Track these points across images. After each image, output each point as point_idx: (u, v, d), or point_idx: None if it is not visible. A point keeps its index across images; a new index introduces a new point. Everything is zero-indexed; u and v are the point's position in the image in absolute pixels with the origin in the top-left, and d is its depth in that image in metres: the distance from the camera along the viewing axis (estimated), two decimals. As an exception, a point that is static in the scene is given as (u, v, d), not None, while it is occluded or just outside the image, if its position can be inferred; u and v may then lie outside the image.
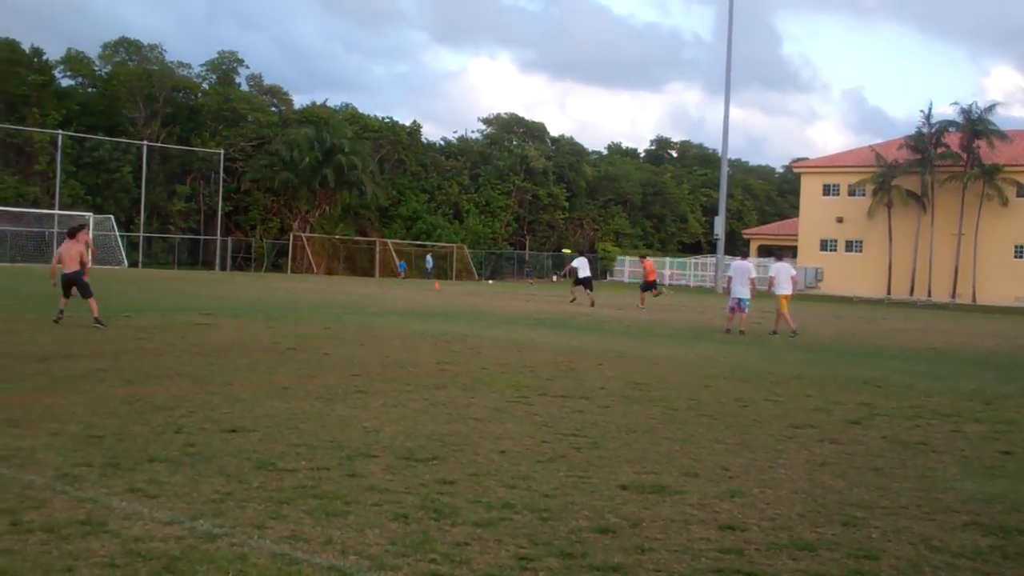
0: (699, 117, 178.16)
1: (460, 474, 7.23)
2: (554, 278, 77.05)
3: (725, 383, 13.63)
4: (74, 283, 18.39)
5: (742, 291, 23.66)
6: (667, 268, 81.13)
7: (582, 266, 37.18)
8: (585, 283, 36.66)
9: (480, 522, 6.01)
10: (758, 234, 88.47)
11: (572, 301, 37.03)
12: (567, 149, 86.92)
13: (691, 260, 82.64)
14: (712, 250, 76.91)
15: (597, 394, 11.78)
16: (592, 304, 34.52)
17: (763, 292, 27.69)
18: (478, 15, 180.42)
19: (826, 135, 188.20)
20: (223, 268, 61.36)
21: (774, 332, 24.29)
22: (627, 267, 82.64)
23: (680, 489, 7.13)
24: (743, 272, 23.88)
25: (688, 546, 5.78)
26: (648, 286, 37.64)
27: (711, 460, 8.22)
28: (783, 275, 24.67)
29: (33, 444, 7.57)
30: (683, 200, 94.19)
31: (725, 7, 62.67)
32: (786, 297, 24.42)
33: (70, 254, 18.55)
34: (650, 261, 38.81)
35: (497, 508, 6.35)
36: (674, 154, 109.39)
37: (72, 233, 19.01)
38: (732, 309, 24.03)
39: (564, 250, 45.19)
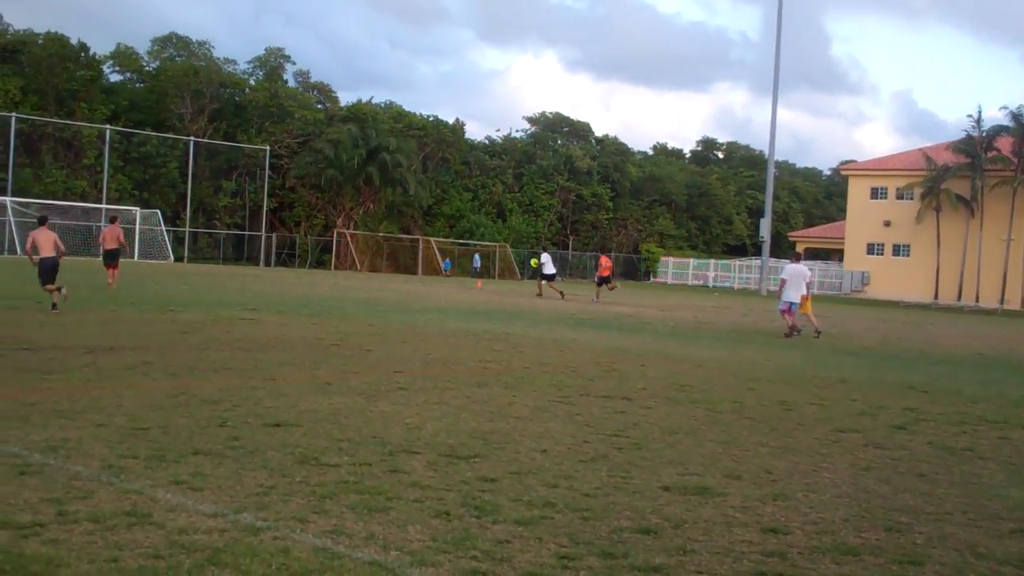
0: (745, 118, 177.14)
1: (501, 472, 7.23)
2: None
3: (769, 386, 13.54)
4: (54, 268, 19.61)
5: (794, 295, 23.53)
6: (712, 270, 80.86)
7: (547, 262, 40.22)
8: (549, 278, 40.09)
9: (521, 520, 6.01)
10: (804, 237, 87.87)
11: (538, 295, 39.39)
12: (612, 149, 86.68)
13: (736, 262, 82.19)
14: (757, 252, 76.41)
15: (639, 395, 11.74)
16: (562, 295, 38.19)
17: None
18: (523, 13, 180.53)
19: (874, 138, 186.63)
20: (267, 264, 61.75)
21: (817, 333, 24.24)
22: (671, 268, 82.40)
23: (723, 491, 7.09)
24: (798, 276, 23.84)
25: (730, 548, 5.74)
26: (603, 280, 39.61)
27: (754, 463, 8.17)
28: (795, 279, 24.10)
29: (80, 435, 7.64)
30: (729, 202, 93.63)
31: (773, 6, 62.34)
32: (806, 298, 24.19)
33: (47, 241, 19.84)
34: (606, 258, 42.31)
35: (538, 507, 6.33)
36: (720, 155, 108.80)
37: (42, 221, 20.86)
38: (783, 312, 23.95)
39: (532, 261, 46.36)
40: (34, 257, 19.53)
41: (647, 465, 7.80)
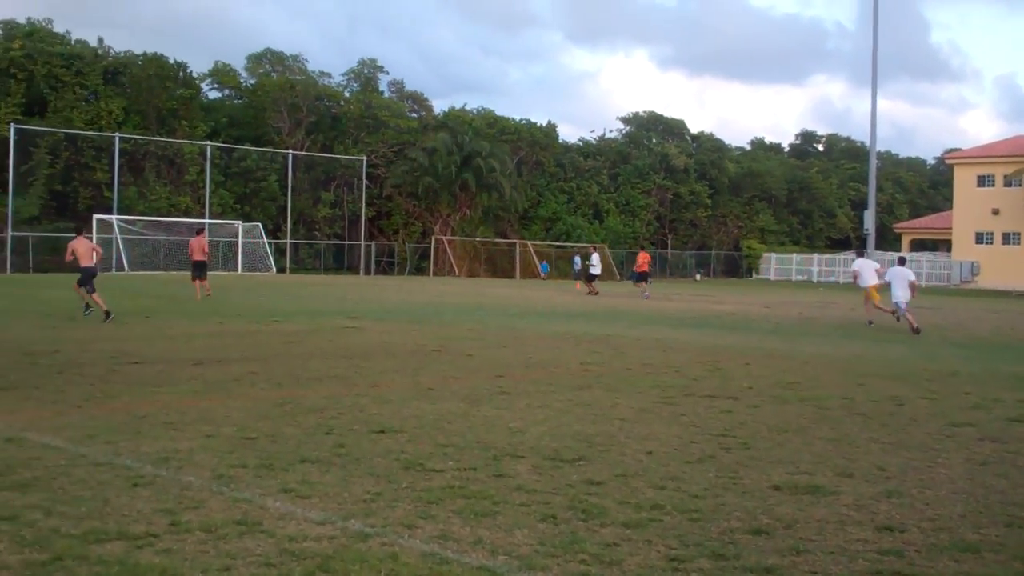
0: (844, 109, 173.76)
1: (607, 475, 7.17)
2: (697, 276, 76.30)
3: (879, 381, 13.27)
4: (94, 275, 20.96)
5: (902, 295, 23.49)
6: (815, 265, 79.68)
7: (596, 263, 42.09)
8: (590, 278, 41.77)
9: (629, 523, 5.95)
10: (910, 228, 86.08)
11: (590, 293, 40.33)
12: (708, 146, 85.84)
13: (840, 256, 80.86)
14: (862, 245, 75.13)
15: (745, 394, 11.58)
16: (596, 293, 39.45)
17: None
18: (612, 13, 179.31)
19: (979, 124, 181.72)
20: (367, 272, 62.36)
21: (870, 323, 25.33)
22: (773, 264, 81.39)
23: (835, 490, 6.95)
24: (902, 277, 23.92)
25: (844, 547, 5.63)
26: (642, 276, 41.40)
27: (866, 460, 8.00)
28: (867, 269, 25.93)
29: (190, 446, 7.77)
30: (831, 195, 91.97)
31: (869, -4, 61.10)
32: (875, 288, 25.48)
33: (87, 251, 21.25)
34: (645, 254, 43.79)
35: (646, 509, 6.27)
36: (820, 148, 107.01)
37: (79, 231, 22.27)
38: (894, 312, 23.98)
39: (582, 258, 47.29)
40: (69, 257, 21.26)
41: (756, 465, 7.68)
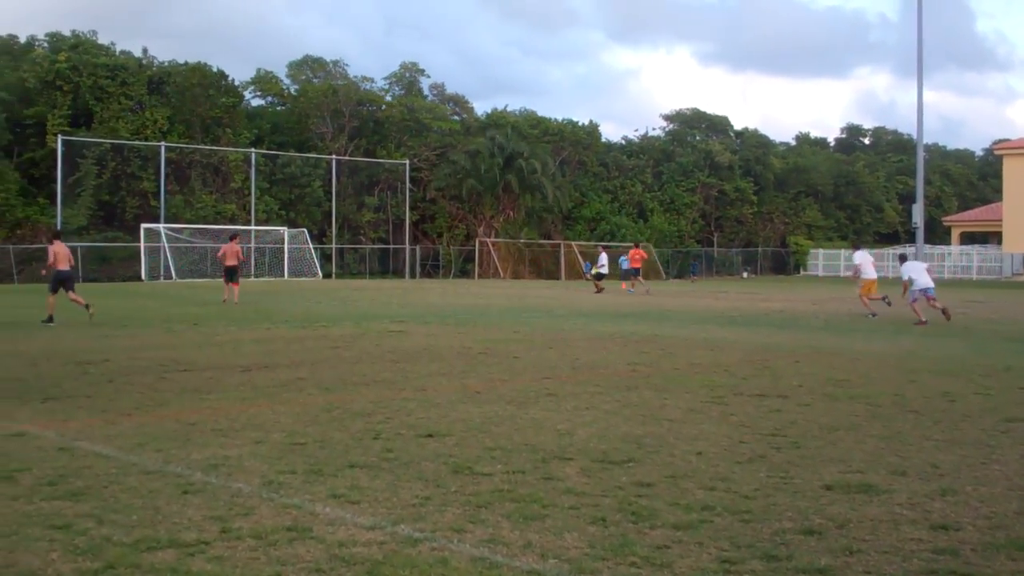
0: (889, 102, 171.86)
1: (657, 476, 7.13)
2: (744, 274, 75.85)
3: (930, 377, 13.11)
4: (67, 280, 22.15)
5: (928, 281, 24.59)
6: (863, 260, 78.82)
7: (605, 263, 42.55)
8: (598, 276, 42.18)
9: (680, 524, 5.91)
10: (959, 221, 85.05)
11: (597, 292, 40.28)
12: (752, 142, 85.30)
13: (889, 251, 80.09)
14: (911, 239, 74.26)
15: (795, 392, 11.48)
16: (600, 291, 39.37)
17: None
18: (653, 10, 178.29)
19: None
20: (412, 276, 62.53)
21: (873, 315, 26.03)
22: (821, 260, 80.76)
23: (888, 488, 6.86)
24: (920, 268, 25.37)
25: (899, 547, 5.55)
26: (633, 272, 42.25)
27: (919, 457, 7.90)
28: (867, 262, 27.65)
29: (240, 453, 7.81)
30: (878, 189, 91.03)
31: (913, -12, 60.46)
32: (873, 281, 27.42)
33: (64, 255, 22.21)
34: (637, 250, 43.58)
35: (696, 510, 6.22)
36: (866, 141, 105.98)
37: (57, 235, 23.36)
38: (915, 300, 24.74)
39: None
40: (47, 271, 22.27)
41: (807, 464, 7.60)
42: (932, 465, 7.61)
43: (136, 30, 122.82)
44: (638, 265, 42.94)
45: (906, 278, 25.32)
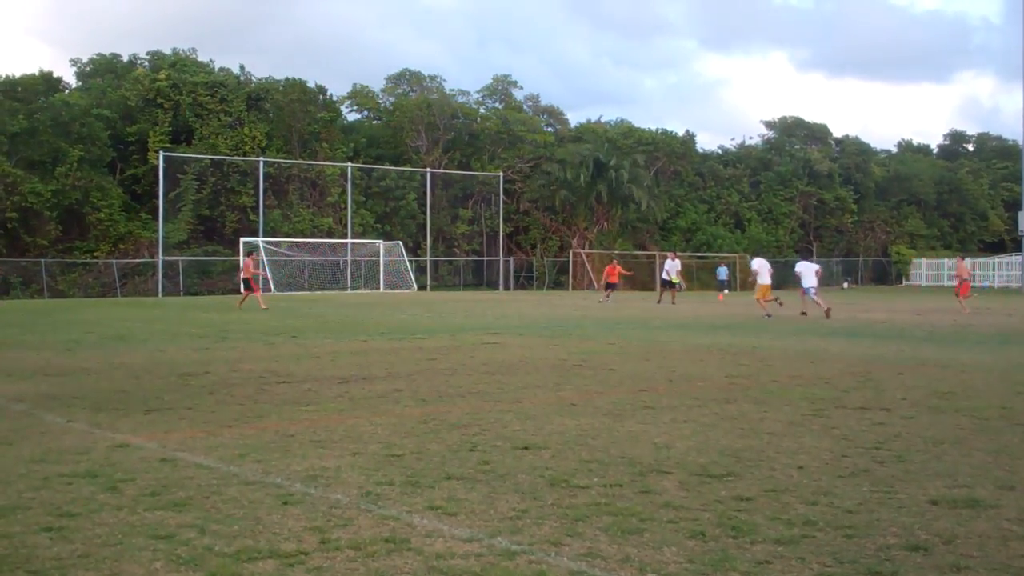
0: (992, 107, 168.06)
1: (757, 490, 7.01)
2: (844, 284, 74.67)
3: (1039, 389, 12.74)
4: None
5: (810, 282, 30.42)
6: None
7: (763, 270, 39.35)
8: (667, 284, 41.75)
9: (781, 539, 5.80)
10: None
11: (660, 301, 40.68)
12: (852, 149, 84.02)
13: (994, 260, 78.27)
14: (1017, 248, 72.50)
15: (899, 405, 11.23)
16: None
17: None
18: (746, 17, 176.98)
19: None
20: (506, 288, 62.72)
21: (768, 316, 29.44)
22: (924, 270, 79.21)
23: (995, 503, 6.66)
24: (809, 269, 30.90)
25: (1008, 564, 5.38)
26: (610, 286, 43.04)
27: (1029, 472, 7.68)
28: (764, 270, 31.43)
29: (338, 464, 7.86)
30: (982, 196, 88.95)
31: (1016, -10, 58.97)
32: (767, 287, 31.19)
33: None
34: (612, 267, 44.17)
35: (798, 525, 6.10)
36: (970, 148, 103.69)
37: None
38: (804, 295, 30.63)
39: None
40: None
41: (911, 478, 7.42)
42: (1043, 480, 7.40)
43: (234, 47, 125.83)
44: (614, 280, 43.42)
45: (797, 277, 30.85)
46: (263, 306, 33.39)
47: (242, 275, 36.07)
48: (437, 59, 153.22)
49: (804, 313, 30.02)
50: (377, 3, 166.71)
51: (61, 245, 50.91)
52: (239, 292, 49.25)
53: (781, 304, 30.52)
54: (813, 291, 30.27)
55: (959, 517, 6.33)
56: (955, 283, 37.74)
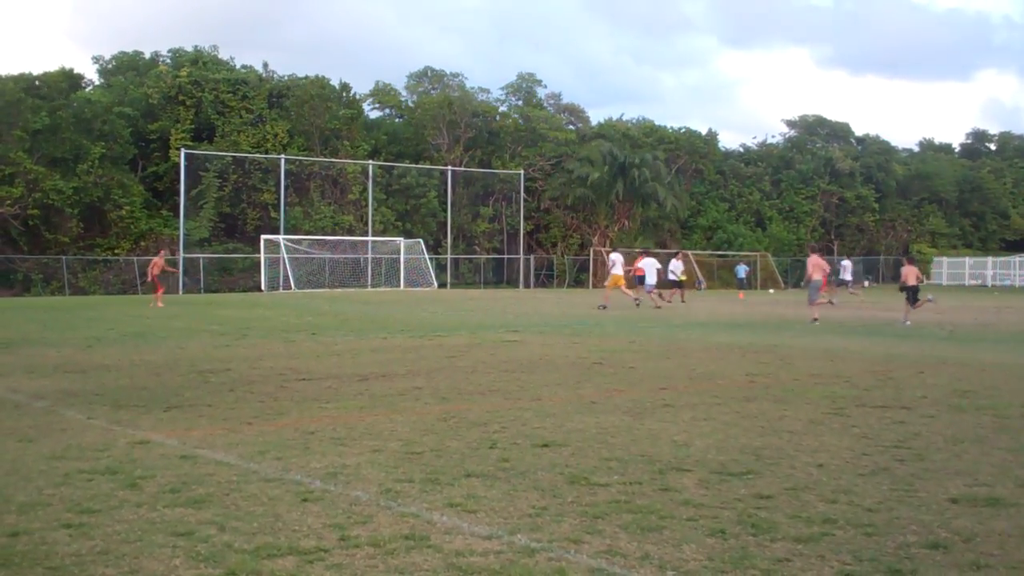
0: (1014, 106, 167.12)
1: (777, 488, 7.00)
2: (866, 283, 74.38)
3: (1061, 388, 12.67)
4: None
5: (651, 277, 35.59)
6: (989, 268, 77.03)
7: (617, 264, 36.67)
8: (676, 284, 41.07)
9: (801, 537, 5.79)
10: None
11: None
12: (874, 148, 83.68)
13: (1016, 259, 77.85)
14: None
15: (919, 404, 11.18)
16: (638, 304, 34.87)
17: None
18: (766, 14, 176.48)
19: None
20: (527, 286, 62.71)
21: (603, 307, 32.43)
22: (945, 268, 78.90)
23: (1016, 502, 6.65)
24: (651, 265, 35.87)
25: (1030, 563, 5.37)
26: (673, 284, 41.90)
27: (1050, 471, 7.64)
28: (619, 263, 34.50)
29: (358, 461, 7.88)
30: (1004, 195, 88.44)
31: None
32: (620, 277, 34.09)
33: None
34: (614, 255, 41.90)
35: (818, 523, 6.09)
36: (992, 147, 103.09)
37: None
38: (649, 292, 35.08)
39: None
40: None
41: (932, 477, 7.40)
42: (1065, 479, 7.36)
43: (256, 44, 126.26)
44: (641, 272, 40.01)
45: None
46: (159, 304, 33.43)
47: (153, 271, 36.12)
48: (458, 57, 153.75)
49: (659, 307, 33.58)
50: (399, 1, 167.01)
51: (82, 242, 51.13)
52: (260, 289, 49.58)
53: (639, 304, 33.40)
54: (651, 286, 35.42)
55: (979, 515, 6.31)
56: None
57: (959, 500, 6.69)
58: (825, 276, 30.84)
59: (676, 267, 41.62)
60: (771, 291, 62.06)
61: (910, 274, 28.54)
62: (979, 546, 5.67)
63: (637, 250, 45.78)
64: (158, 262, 36.13)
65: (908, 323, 26.55)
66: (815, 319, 26.81)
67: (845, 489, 6.99)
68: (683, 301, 39.33)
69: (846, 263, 39.80)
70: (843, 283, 40.09)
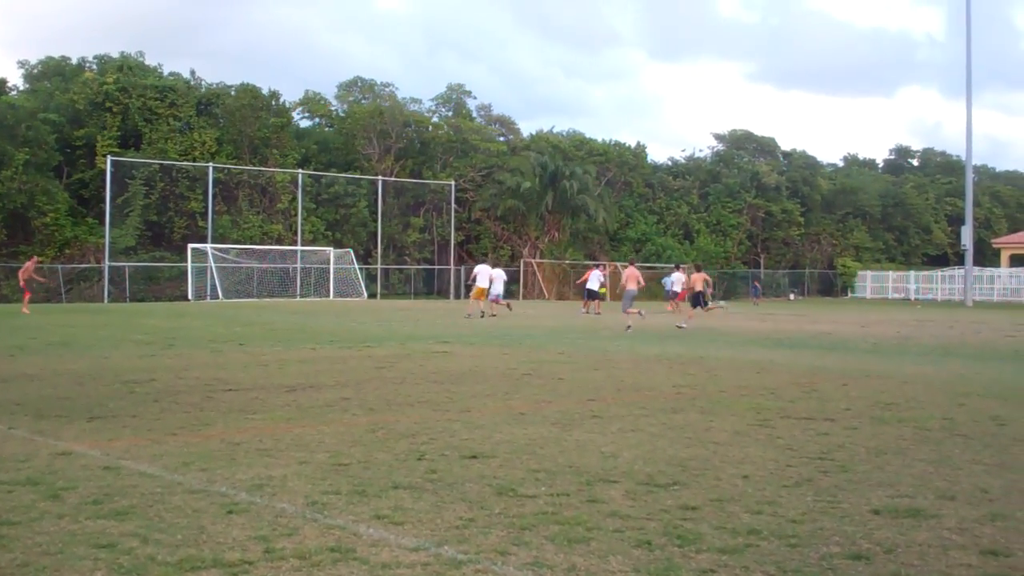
0: (935, 122, 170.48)
1: (702, 499, 7.06)
2: (791, 296, 75.34)
3: (980, 401, 12.93)
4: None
5: (497, 288, 36.87)
6: (912, 282, 78.39)
7: (482, 275, 37.16)
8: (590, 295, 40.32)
9: (725, 549, 5.84)
10: (1009, 243, 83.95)
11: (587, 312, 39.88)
12: (800, 163, 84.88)
13: (938, 272, 79.37)
14: (960, 261, 73.55)
15: (843, 415, 11.35)
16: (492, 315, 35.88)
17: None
18: (694, 30, 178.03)
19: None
20: (457, 297, 62.64)
21: (479, 316, 34.48)
22: (869, 282, 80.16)
23: (936, 513, 6.76)
24: (491, 275, 36.74)
25: (948, 573, 5.47)
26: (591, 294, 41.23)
27: (968, 482, 7.78)
28: (484, 273, 36.59)
29: (284, 473, 7.82)
30: (927, 210, 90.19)
31: (953, 5, 60.00)
32: (483, 290, 35.98)
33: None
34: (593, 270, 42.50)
35: (743, 534, 6.15)
36: (915, 163, 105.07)
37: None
38: (494, 300, 36.45)
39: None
40: None
41: (854, 488, 7.51)
42: (982, 490, 7.50)
43: (183, 52, 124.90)
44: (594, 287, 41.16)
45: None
46: (25, 311, 34.38)
47: (22, 276, 36.72)
48: (388, 67, 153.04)
49: (494, 315, 35.39)
50: (329, 9, 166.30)
51: (5, 249, 50.17)
52: (187, 299, 49.03)
53: (483, 316, 34.88)
54: (497, 295, 36.98)
55: (901, 527, 6.40)
56: (676, 291, 39.93)
57: (881, 511, 6.78)
58: (685, 291, 32.38)
59: (597, 277, 41.22)
60: (721, 303, 62.62)
61: (698, 281, 32.36)
62: (900, 557, 5.75)
63: (676, 266, 45.22)
64: (29, 267, 36.90)
65: (683, 326, 29.50)
66: (628, 327, 28.35)
67: (770, 500, 7.07)
68: (598, 313, 39.46)
69: (676, 275, 39.91)
70: (674, 295, 40.26)
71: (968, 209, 64.76)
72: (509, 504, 6.85)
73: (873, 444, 9.43)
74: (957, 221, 78.63)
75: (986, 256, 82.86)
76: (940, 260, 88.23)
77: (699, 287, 31.41)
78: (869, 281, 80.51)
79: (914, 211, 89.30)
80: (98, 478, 7.55)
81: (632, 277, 30.57)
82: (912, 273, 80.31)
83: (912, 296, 76.87)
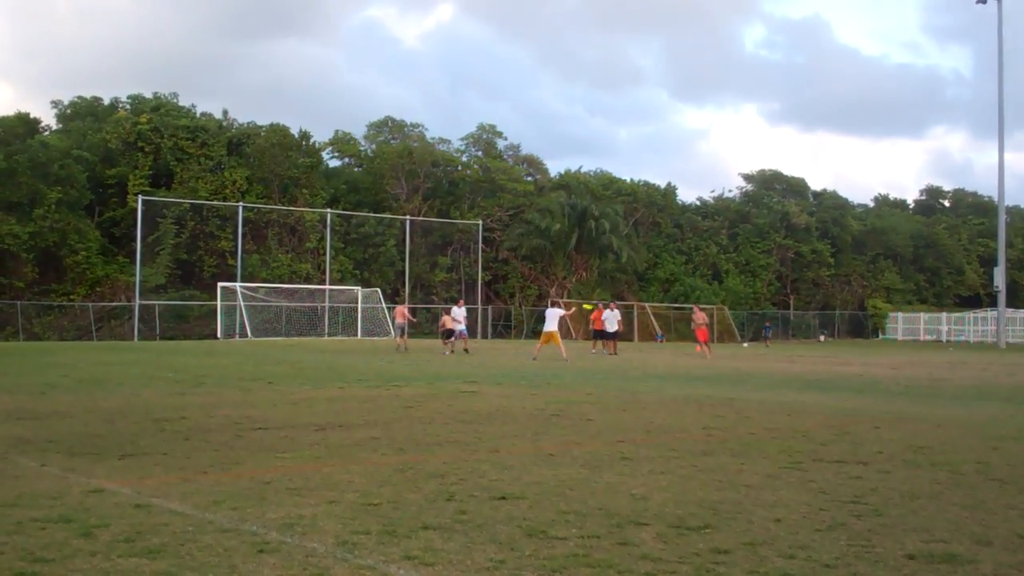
0: (964, 161, 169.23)
1: (734, 543, 6.99)
2: (821, 338, 74.95)
3: (1015, 444, 12.78)
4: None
5: (461, 327, 38.97)
6: (944, 324, 77.86)
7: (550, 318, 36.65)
8: (448, 334, 39.51)
9: (759, 593, 5.79)
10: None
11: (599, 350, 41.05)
12: (829, 203, 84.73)
13: (970, 315, 78.83)
14: (993, 303, 73.02)
15: (876, 459, 11.24)
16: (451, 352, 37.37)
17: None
18: (717, 69, 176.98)
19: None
20: (484, 336, 62.65)
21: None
22: (900, 324, 79.69)
23: (972, 558, 6.67)
24: (460, 316, 39.23)
25: (987, 621, 5.40)
26: (599, 334, 41.88)
27: (1004, 527, 7.68)
28: (552, 317, 35.70)
29: (313, 512, 7.81)
30: (958, 251, 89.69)
31: (982, 43, 60.08)
32: (550, 333, 35.46)
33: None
34: (599, 310, 42.80)
35: (776, 579, 6.10)
36: (947, 204, 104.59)
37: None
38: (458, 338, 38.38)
39: (584, 305, 46.56)
40: None
41: (888, 532, 7.42)
42: (1018, 535, 7.40)
43: (216, 90, 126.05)
44: (599, 327, 41.60)
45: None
46: None
47: None
48: (411, 105, 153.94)
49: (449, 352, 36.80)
50: (351, 47, 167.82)
51: (37, 287, 50.64)
52: (216, 337, 49.22)
53: (450, 353, 36.78)
54: (462, 333, 39.41)
55: (936, 572, 6.33)
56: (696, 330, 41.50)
57: (916, 556, 6.71)
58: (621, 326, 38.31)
59: (612, 317, 41.19)
60: (745, 344, 62.42)
61: (611, 319, 39.42)
62: (935, 602, 5.69)
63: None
64: None
65: (567, 360, 32.02)
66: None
67: (803, 544, 7.00)
68: (603, 351, 39.86)
69: (457, 310, 39.67)
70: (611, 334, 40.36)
71: (1001, 250, 64.41)
72: (539, 546, 6.81)
73: (907, 488, 9.34)
74: (989, 262, 78.16)
75: (1019, 297, 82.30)
76: (972, 301, 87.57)
77: (612, 327, 38.19)
78: (900, 323, 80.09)
79: (946, 252, 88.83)
80: (130, 516, 7.57)
81: (400, 313, 38.47)
82: (944, 315, 79.79)
83: (944, 338, 76.34)
